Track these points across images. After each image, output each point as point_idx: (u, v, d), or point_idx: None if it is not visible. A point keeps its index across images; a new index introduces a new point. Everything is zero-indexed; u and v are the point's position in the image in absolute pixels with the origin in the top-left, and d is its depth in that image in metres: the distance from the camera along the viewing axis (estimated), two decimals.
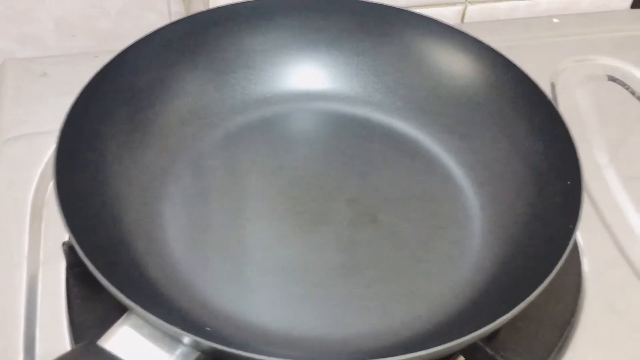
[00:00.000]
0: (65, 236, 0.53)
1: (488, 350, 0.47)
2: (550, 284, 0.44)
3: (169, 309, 0.47)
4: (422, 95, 0.62)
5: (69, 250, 0.50)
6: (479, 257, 0.53)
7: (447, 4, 0.75)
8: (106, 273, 0.43)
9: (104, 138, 0.54)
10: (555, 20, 0.77)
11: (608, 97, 0.70)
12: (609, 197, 0.61)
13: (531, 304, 0.44)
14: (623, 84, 0.71)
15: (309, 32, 0.63)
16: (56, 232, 0.55)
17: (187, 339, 0.42)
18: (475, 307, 0.49)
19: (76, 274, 0.51)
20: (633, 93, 0.70)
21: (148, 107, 0.58)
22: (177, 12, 0.75)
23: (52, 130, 0.51)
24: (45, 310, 0.51)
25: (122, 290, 0.42)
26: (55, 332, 0.50)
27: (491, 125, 0.59)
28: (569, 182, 0.50)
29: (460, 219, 0.56)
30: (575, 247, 0.55)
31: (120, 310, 0.44)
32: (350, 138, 0.61)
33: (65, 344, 0.49)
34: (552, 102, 0.55)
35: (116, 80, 0.56)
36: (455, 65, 0.61)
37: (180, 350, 0.43)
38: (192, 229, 0.54)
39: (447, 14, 0.76)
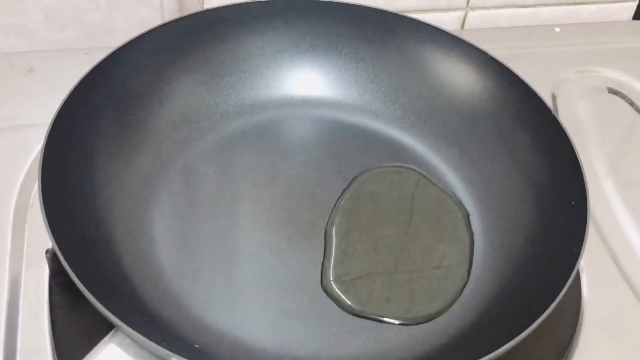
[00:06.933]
0: (50, 241, 0.51)
1: None
2: None
3: (157, 325, 0.46)
4: (422, 104, 0.61)
5: (53, 258, 0.49)
6: (479, 276, 0.52)
7: (448, 10, 0.74)
8: (92, 287, 0.42)
9: (92, 141, 0.53)
10: (557, 29, 0.76)
11: (608, 109, 0.70)
12: (608, 212, 0.60)
13: None
14: (624, 97, 0.70)
15: (307, 37, 0.62)
16: (41, 236, 0.53)
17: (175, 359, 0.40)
18: (476, 330, 0.48)
19: (60, 282, 0.50)
20: (633, 105, 0.69)
21: (139, 109, 0.57)
22: (170, 8, 0.73)
23: (39, 129, 0.49)
24: (27, 319, 0.49)
25: (109, 307, 0.41)
26: (38, 343, 0.48)
27: (492, 139, 0.57)
28: (573, 203, 0.49)
29: (460, 236, 0.54)
30: None
31: (105, 321, 0.42)
32: (347, 147, 0.60)
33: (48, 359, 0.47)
34: (558, 118, 0.53)
35: (107, 81, 0.55)
36: (457, 75, 0.60)
37: None
38: (183, 240, 0.53)
39: (447, 20, 0.74)
